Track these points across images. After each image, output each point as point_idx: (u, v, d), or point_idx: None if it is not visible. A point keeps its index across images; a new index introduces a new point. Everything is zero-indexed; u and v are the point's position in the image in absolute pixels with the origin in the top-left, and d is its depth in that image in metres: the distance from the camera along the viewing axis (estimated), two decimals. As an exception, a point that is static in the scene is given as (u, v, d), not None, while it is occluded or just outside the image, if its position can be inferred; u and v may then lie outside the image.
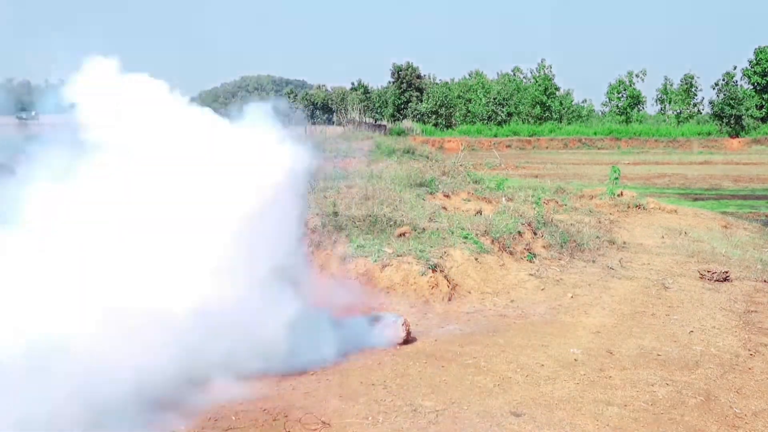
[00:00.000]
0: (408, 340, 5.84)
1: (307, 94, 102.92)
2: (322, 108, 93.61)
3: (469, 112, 67.02)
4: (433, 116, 66.43)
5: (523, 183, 19.45)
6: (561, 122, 64.11)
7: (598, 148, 51.45)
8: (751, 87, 59.95)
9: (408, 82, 72.22)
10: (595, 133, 56.00)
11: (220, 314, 4.58)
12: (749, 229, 14.25)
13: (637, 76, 66.11)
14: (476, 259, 8.23)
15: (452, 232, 8.87)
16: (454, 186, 13.17)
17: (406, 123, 65.94)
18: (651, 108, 69.17)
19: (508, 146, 52.86)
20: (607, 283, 8.40)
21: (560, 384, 4.98)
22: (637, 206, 15.39)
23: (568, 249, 9.89)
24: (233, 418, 4.36)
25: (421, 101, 68.53)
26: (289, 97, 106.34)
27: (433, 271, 7.41)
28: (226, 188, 4.74)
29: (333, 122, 79.00)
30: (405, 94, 72.04)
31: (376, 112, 76.42)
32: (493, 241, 8.96)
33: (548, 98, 66.26)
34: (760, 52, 59.18)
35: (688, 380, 5.09)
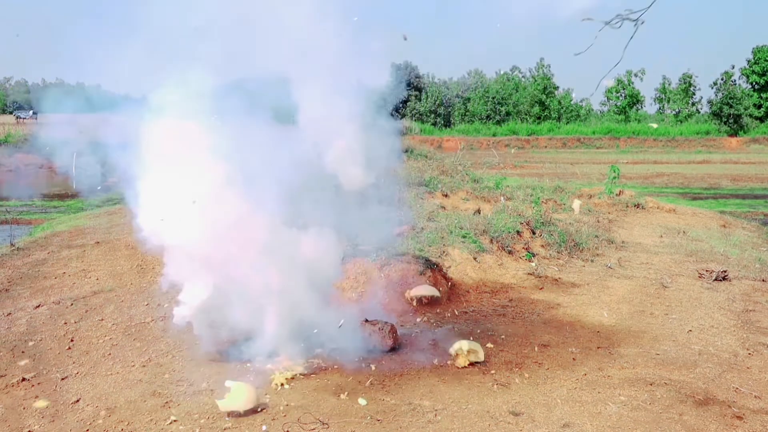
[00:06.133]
0: (395, 347, 5.66)
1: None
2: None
3: (467, 111, 67.05)
4: (432, 115, 66.43)
5: (521, 182, 19.46)
6: (560, 121, 64.14)
7: (597, 147, 51.49)
8: (750, 86, 60.05)
9: (407, 81, 72.24)
10: (593, 133, 56.08)
11: None
12: (748, 229, 14.26)
13: (635, 75, 66.21)
14: (475, 258, 8.23)
15: (451, 232, 8.87)
16: (452, 185, 13.17)
17: (405, 122, 65.94)
18: (650, 107, 69.32)
19: (507, 145, 52.88)
20: (605, 282, 8.40)
21: (559, 383, 4.98)
22: (635, 205, 15.40)
23: (567, 248, 9.89)
24: (230, 417, 4.35)
25: (420, 100, 68.53)
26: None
27: (432, 270, 7.40)
28: None
29: (332, 121, 78.53)
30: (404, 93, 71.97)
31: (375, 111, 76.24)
32: (491, 240, 8.96)
33: (547, 97, 66.28)
34: (759, 51, 59.25)
35: (686, 379, 5.08)
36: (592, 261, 9.60)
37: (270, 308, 5.30)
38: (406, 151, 25.84)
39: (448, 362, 5.36)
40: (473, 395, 4.72)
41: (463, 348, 5.26)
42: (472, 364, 5.22)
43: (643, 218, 14.35)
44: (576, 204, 11.64)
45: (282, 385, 4.90)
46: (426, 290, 7.05)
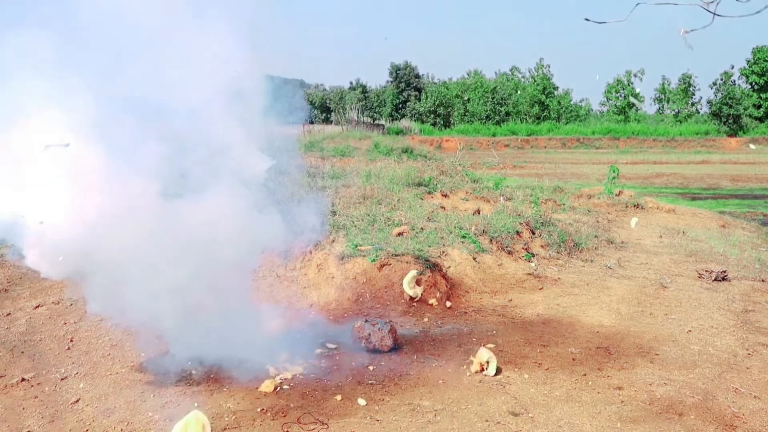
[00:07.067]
0: (395, 346, 5.64)
1: (305, 93, 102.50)
2: (320, 107, 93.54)
3: (467, 111, 67.08)
4: (432, 116, 66.48)
5: (521, 182, 19.47)
6: (559, 121, 64.16)
7: (597, 148, 51.50)
8: (749, 86, 60.10)
9: (406, 82, 72.25)
10: (593, 133, 56.10)
11: None
12: (747, 229, 14.26)
13: (635, 75, 66.25)
14: (474, 259, 8.23)
15: (450, 232, 8.87)
16: (452, 185, 13.18)
17: (405, 122, 66.03)
18: (649, 107, 69.40)
19: (507, 145, 52.89)
20: (605, 282, 8.41)
21: (558, 383, 4.98)
22: (635, 205, 15.42)
23: (567, 248, 9.90)
24: (230, 417, 4.35)
25: (420, 100, 68.55)
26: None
27: (432, 270, 7.41)
28: None
29: (331, 122, 78.95)
30: (403, 94, 72.07)
31: (375, 112, 76.48)
32: (491, 240, 8.96)
33: (546, 97, 66.31)
34: (758, 51, 59.31)
35: (686, 380, 5.09)
36: (591, 261, 9.61)
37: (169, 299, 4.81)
38: (406, 151, 25.84)
39: (449, 363, 5.37)
40: (473, 395, 4.73)
41: (489, 361, 5.15)
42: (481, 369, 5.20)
43: (643, 218, 14.36)
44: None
45: (281, 385, 4.90)
46: (413, 274, 7.23)
